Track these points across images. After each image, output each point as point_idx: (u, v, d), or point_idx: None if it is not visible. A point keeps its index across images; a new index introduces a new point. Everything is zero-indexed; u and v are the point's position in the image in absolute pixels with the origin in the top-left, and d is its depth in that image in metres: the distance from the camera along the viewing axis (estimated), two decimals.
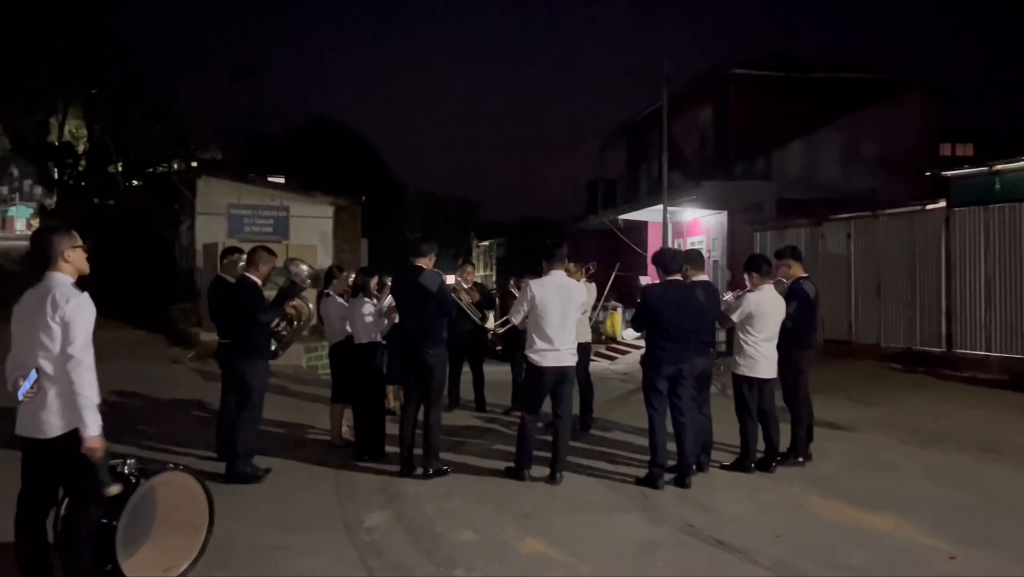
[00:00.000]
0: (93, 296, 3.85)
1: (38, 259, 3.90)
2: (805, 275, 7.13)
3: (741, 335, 6.64)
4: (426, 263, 6.55)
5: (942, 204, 12.69)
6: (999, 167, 11.82)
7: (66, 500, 3.95)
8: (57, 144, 32.87)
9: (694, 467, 6.39)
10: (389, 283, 7.40)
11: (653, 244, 22.36)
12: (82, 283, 3.92)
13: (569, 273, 7.03)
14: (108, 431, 3.83)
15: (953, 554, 4.83)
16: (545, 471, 6.38)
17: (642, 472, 6.38)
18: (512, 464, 6.50)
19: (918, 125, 20.27)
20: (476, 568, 4.63)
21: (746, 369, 6.63)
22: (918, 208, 13.26)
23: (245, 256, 6.74)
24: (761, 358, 6.59)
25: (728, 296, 7.10)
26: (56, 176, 33.44)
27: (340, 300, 7.59)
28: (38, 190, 48.74)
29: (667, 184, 20.06)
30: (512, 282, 9.67)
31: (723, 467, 6.75)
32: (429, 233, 36.99)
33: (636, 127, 27.52)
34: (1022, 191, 11.49)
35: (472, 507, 5.75)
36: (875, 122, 19.92)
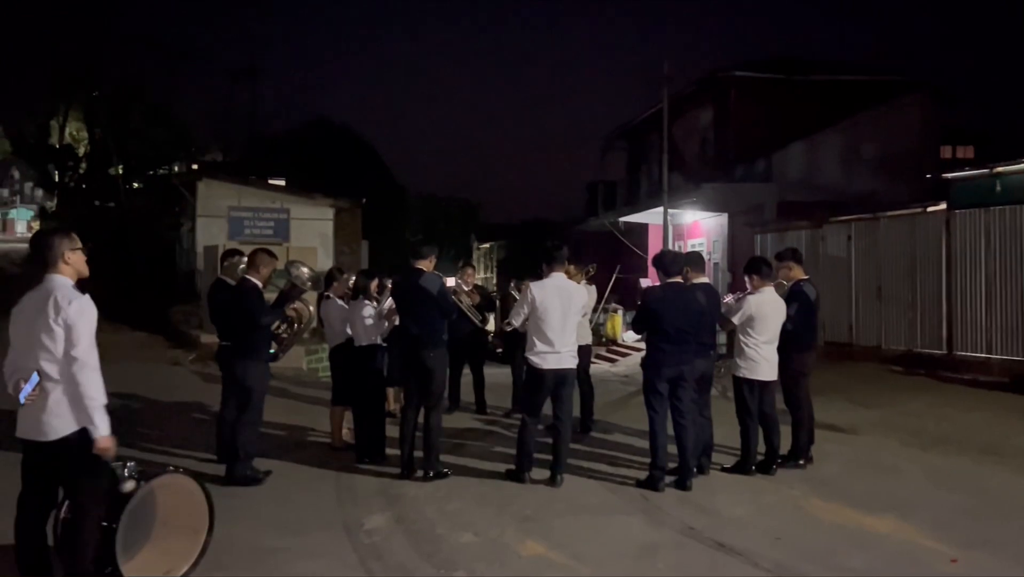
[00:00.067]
0: (93, 298, 3.86)
1: (38, 261, 3.90)
2: (806, 277, 7.13)
3: (742, 337, 6.63)
4: (426, 265, 6.55)
5: (943, 206, 12.67)
6: (1000, 169, 11.80)
7: (66, 503, 3.95)
8: (58, 146, 32.90)
9: (695, 469, 6.39)
10: (389, 285, 7.41)
11: (653, 246, 22.36)
12: (82, 285, 3.92)
13: (569, 275, 7.03)
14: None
15: (954, 557, 4.83)
16: (545, 473, 6.37)
17: (643, 474, 6.37)
18: (512, 466, 6.50)
19: (919, 127, 20.24)
20: (476, 570, 4.62)
21: (747, 371, 6.62)
22: (919, 210, 13.25)
23: (246, 258, 6.74)
24: (762, 360, 6.59)
25: (729, 298, 7.10)
26: (57, 178, 33.46)
27: (340, 302, 7.59)
28: (39, 192, 48.76)
29: (667, 186, 20.07)
30: (512, 284, 9.67)
31: (724, 469, 6.75)
32: (429, 235, 36.95)
33: (636, 129, 27.53)
34: (1023, 193, 11.49)
35: (472, 509, 5.74)
36: (876, 124, 19.90)
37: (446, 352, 6.74)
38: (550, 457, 6.41)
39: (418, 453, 6.49)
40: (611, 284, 21.02)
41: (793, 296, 6.86)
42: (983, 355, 11.72)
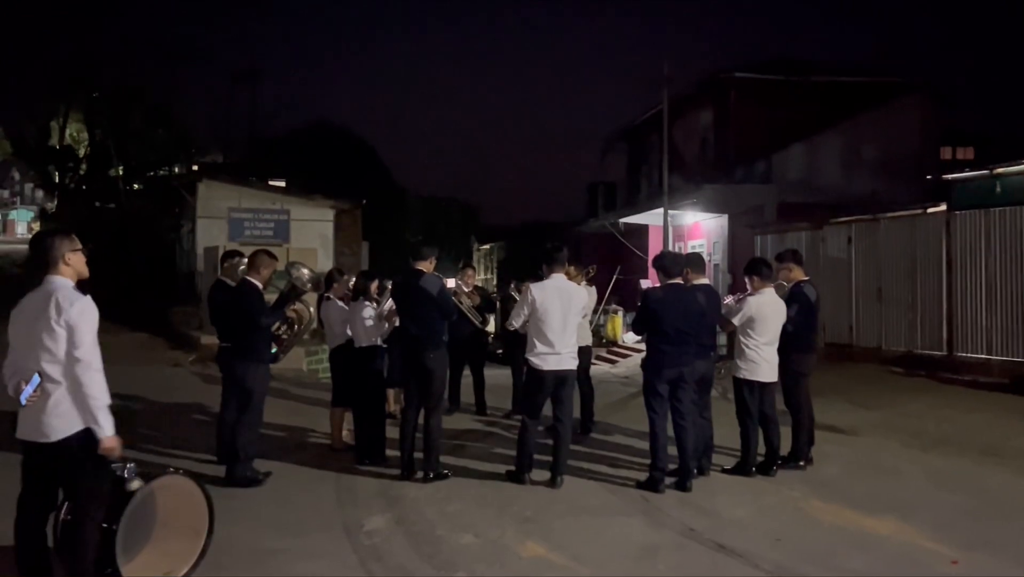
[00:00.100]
0: (94, 299, 3.85)
1: (38, 263, 3.89)
2: (806, 278, 7.12)
3: (742, 338, 6.63)
4: (427, 266, 6.55)
5: (943, 208, 12.68)
6: (1000, 170, 11.81)
7: (66, 504, 3.94)
8: (58, 148, 32.91)
9: (695, 471, 6.38)
10: (389, 287, 7.40)
11: (654, 247, 22.36)
12: (83, 286, 3.92)
13: (570, 276, 7.02)
14: None
15: (955, 558, 4.83)
16: (546, 475, 6.37)
17: (643, 476, 6.37)
18: (513, 468, 6.49)
19: (919, 128, 20.26)
20: (477, 572, 4.62)
21: (747, 372, 6.62)
22: (919, 212, 13.25)
23: (246, 260, 6.74)
24: (762, 361, 6.59)
25: (729, 299, 7.10)
26: (57, 180, 33.47)
27: (340, 304, 7.59)
28: (39, 194, 48.77)
29: (668, 187, 20.07)
30: (513, 286, 9.66)
31: (724, 471, 6.74)
32: (429, 236, 36.92)
33: (636, 130, 27.55)
34: (1023, 194, 11.49)
35: (473, 511, 5.74)
36: (876, 125, 19.92)
37: (446, 353, 6.74)
38: (550, 458, 6.40)
39: (418, 454, 6.48)
40: (611, 285, 21.03)
41: (793, 297, 6.86)
42: (983, 356, 11.72)
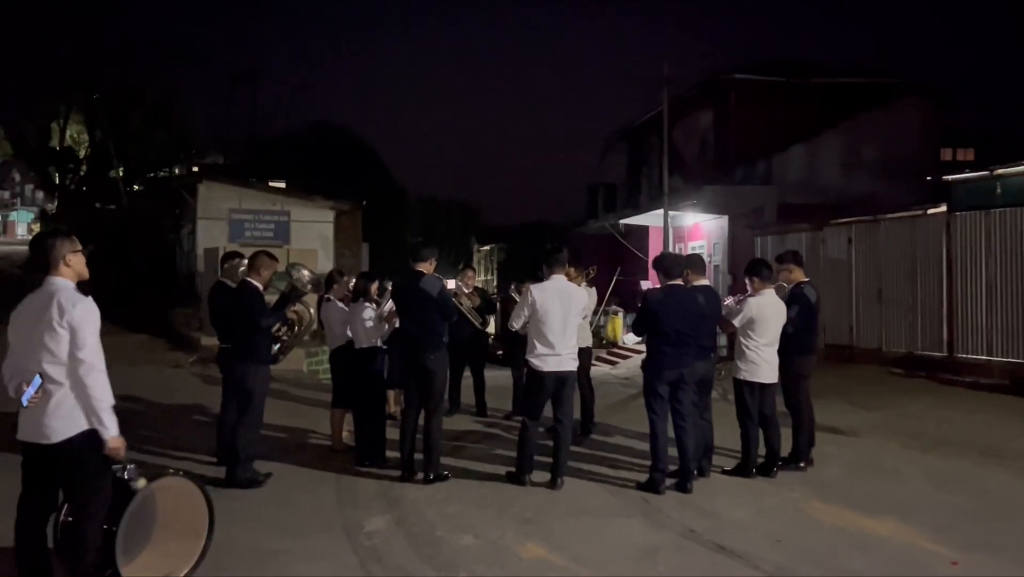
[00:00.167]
0: (94, 300, 3.85)
1: (38, 264, 3.89)
2: (806, 280, 7.12)
3: (742, 340, 6.63)
4: (427, 268, 6.55)
5: (943, 209, 12.68)
6: (1000, 171, 11.81)
7: (66, 505, 3.94)
8: (58, 149, 32.95)
9: (695, 472, 6.38)
10: (390, 288, 7.40)
11: (654, 248, 22.38)
12: (83, 287, 3.92)
13: (570, 277, 7.02)
14: None
15: (955, 559, 4.82)
16: (546, 476, 6.37)
17: (643, 477, 6.37)
18: (513, 469, 6.49)
19: (919, 129, 20.28)
20: (477, 573, 4.62)
21: (747, 374, 6.62)
22: (919, 213, 13.26)
23: (246, 261, 6.74)
24: (762, 363, 6.59)
25: (729, 301, 7.10)
26: (57, 181, 33.52)
27: (341, 305, 7.59)
28: (39, 195, 48.84)
29: (668, 188, 20.09)
30: (513, 287, 9.66)
31: (724, 472, 6.74)
32: (430, 237, 36.90)
33: (637, 131, 27.56)
34: (1023, 195, 11.49)
35: (473, 512, 5.74)
36: (876, 126, 19.94)
37: (446, 354, 6.73)
38: (550, 460, 6.40)
39: (418, 455, 6.48)
40: (611, 286, 21.03)
41: (794, 298, 6.86)
42: (984, 357, 11.73)
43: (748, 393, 6.63)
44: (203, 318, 13.59)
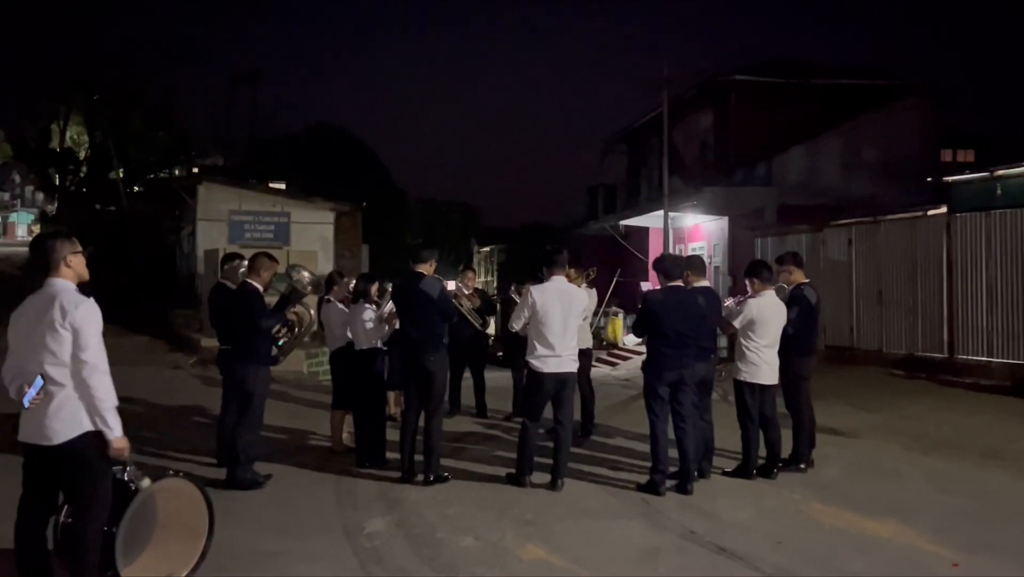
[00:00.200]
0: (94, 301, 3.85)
1: (39, 265, 3.89)
2: (806, 281, 7.12)
3: (743, 341, 6.63)
4: (427, 269, 6.55)
5: (943, 210, 12.68)
6: (1001, 172, 11.81)
7: (66, 507, 3.94)
8: (58, 150, 32.97)
9: (696, 473, 6.37)
10: (390, 289, 7.41)
11: (654, 250, 22.37)
12: (84, 289, 3.91)
13: (570, 279, 7.02)
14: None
15: (956, 561, 4.82)
16: (546, 477, 6.36)
17: (643, 478, 6.37)
18: (513, 470, 6.49)
19: (919, 131, 20.26)
20: (477, 574, 4.62)
21: (748, 375, 6.62)
22: (919, 214, 13.26)
23: (246, 262, 6.74)
24: (763, 364, 6.58)
25: (729, 302, 7.10)
26: (57, 182, 33.52)
27: (341, 306, 7.59)
28: (39, 196, 48.86)
29: (668, 190, 20.09)
30: (513, 288, 9.66)
31: (725, 473, 6.74)
32: (429, 239, 36.97)
33: (637, 133, 27.56)
34: None
35: (473, 513, 5.73)
36: (876, 128, 19.93)
37: (446, 356, 6.74)
38: (551, 461, 6.40)
39: (418, 457, 6.48)
40: (612, 288, 21.03)
41: (794, 300, 6.86)
42: (984, 359, 11.72)
43: (748, 394, 6.62)
44: (203, 319, 13.59)
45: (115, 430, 3.78)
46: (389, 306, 7.27)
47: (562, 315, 6.28)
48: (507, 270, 37.38)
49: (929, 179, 14.07)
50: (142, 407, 9.19)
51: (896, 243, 13.53)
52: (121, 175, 28.88)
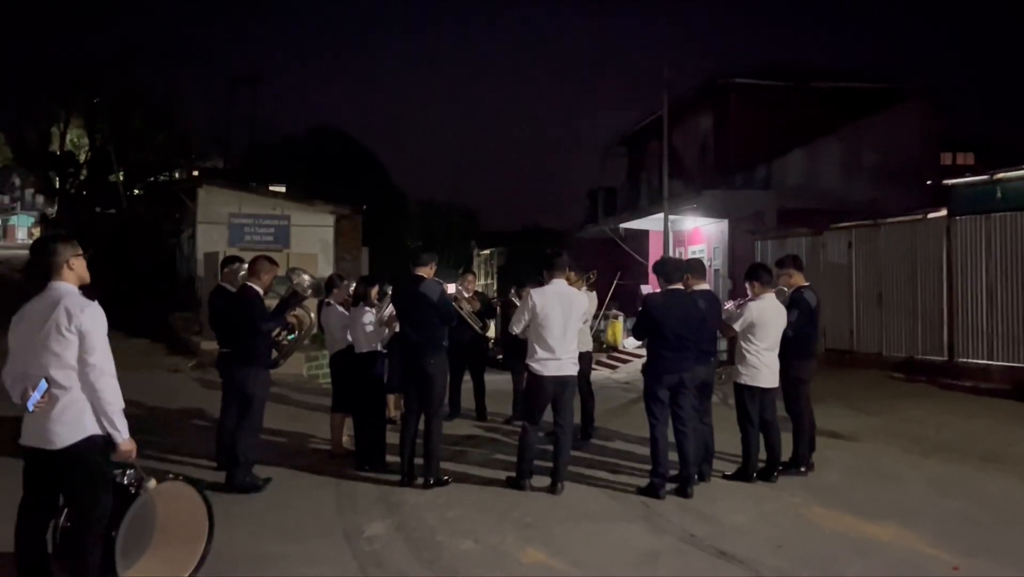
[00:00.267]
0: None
1: (40, 268, 3.88)
2: (806, 284, 7.12)
3: (743, 344, 6.63)
4: (427, 272, 6.55)
5: (943, 213, 12.69)
6: (1000, 176, 11.82)
7: (65, 511, 3.93)
8: (58, 153, 33.02)
9: (696, 477, 6.37)
10: (390, 292, 7.41)
11: (654, 253, 22.38)
12: (87, 291, 3.91)
13: (570, 282, 7.02)
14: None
15: (956, 564, 4.82)
16: (546, 481, 6.36)
17: (643, 482, 6.36)
18: (513, 474, 6.48)
19: (919, 134, 20.28)
20: None
21: (748, 378, 6.62)
22: (919, 217, 13.27)
23: (246, 265, 6.74)
24: (763, 367, 6.58)
25: (729, 305, 7.10)
26: (57, 185, 33.56)
27: (341, 309, 7.59)
28: (39, 199, 48.87)
29: (668, 193, 20.08)
30: (513, 291, 9.66)
31: (725, 477, 6.74)
32: (429, 242, 37.02)
33: (636, 136, 27.57)
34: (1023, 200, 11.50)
35: (473, 517, 5.73)
36: (876, 131, 19.94)
37: (446, 359, 6.73)
38: (551, 464, 6.39)
39: (418, 460, 6.48)
40: (612, 291, 21.02)
41: (794, 303, 6.86)
42: (984, 362, 11.72)
43: (748, 397, 6.62)
44: (203, 322, 13.59)
45: (122, 433, 3.80)
46: (389, 309, 7.27)
47: (562, 318, 6.28)
48: (507, 273, 37.38)
49: (929, 182, 14.09)
50: (142, 410, 9.17)
51: (896, 246, 13.54)
52: (121, 178, 28.92)
